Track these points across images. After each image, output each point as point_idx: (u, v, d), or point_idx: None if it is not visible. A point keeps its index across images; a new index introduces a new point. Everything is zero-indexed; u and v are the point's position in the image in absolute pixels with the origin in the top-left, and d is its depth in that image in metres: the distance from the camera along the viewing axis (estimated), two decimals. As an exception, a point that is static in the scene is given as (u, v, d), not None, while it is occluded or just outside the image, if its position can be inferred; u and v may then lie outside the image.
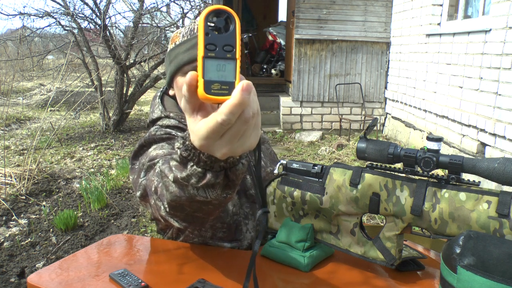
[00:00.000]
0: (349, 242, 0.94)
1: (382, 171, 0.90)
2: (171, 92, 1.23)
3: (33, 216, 3.33)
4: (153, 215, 0.97)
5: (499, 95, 3.87)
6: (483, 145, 4.18)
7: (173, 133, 1.11)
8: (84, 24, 6.54)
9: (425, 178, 0.84)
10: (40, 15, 6.34)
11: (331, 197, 0.93)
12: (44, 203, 3.57)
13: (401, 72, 6.19)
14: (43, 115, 7.19)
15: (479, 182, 0.81)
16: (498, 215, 0.75)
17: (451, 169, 0.81)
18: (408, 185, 0.85)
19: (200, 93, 0.49)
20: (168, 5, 7.78)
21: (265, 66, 8.34)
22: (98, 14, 6.22)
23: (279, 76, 7.88)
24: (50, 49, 8.03)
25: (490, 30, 4.01)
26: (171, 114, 1.17)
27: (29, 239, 2.96)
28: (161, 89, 1.29)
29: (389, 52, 6.62)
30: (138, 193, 1.00)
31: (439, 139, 0.82)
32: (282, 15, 9.47)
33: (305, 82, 6.59)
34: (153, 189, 0.88)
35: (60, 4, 6.28)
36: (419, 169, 0.84)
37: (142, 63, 6.96)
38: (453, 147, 4.66)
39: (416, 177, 0.86)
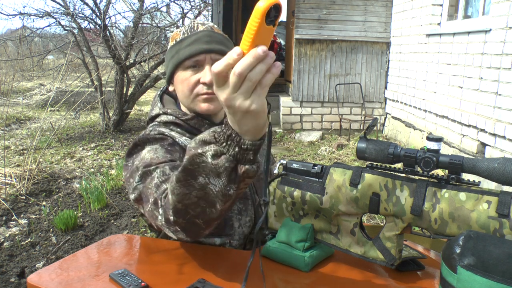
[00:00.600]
0: (349, 242, 0.94)
1: (382, 171, 0.90)
2: (170, 88, 1.24)
3: (33, 216, 3.33)
4: (146, 221, 1.04)
5: (499, 95, 3.87)
6: (483, 145, 4.18)
7: (166, 133, 1.13)
8: (84, 24, 6.55)
9: (425, 178, 0.84)
10: (40, 15, 6.34)
11: (331, 197, 0.93)
12: (44, 203, 3.57)
13: (401, 72, 6.19)
14: (43, 115, 7.20)
15: (479, 182, 0.81)
16: (498, 215, 0.75)
17: (451, 169, 0.81)
18: (408, 185, 0.85)
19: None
20: (168, 5, 7.79)
21: (265, 66, 8.33)
22: (98, 14, 6.23)
23: (279, 76, 7.87)
24: (50, 49, 8.03)
25: (490, 30, 4.01)
26: (169, 111, 1.20)
27: (29, 239, 2.96)
28: (161, 89, 1.31)
29: (389, 52, 6.62)
30: (132, 196, 1.04)
31: (439, 139, 0.82)
32: (282, 15, 9.47)
33: (305, 82, 6.59)
34: (151, 199, 0.93)
35: (60, 4, 6.28)
36: (419, 169, 0.84)
37: (142, 63, 6.96)
38: (453, 147, 4.66)
39: (416, 177, 0.86)
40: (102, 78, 6.70)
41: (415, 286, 0.90)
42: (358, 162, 4.66)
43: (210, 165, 0.75)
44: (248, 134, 0.71)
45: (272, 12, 0.61)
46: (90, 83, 6.99)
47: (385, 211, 0.87)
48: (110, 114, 6.50)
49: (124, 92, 6.45)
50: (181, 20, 7.42)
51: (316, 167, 0.97)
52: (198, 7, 7.33)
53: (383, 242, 0.89)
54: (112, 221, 3.29)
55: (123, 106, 6.43)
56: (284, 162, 1.03)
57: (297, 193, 0.98)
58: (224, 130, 0.73)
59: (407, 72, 5.98)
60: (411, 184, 0.85)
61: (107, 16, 6.28)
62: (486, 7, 4.45)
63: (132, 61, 6.67)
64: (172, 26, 7.30)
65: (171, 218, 0.86)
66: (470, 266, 0.67)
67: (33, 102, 9.14)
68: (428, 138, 0.83)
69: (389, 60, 6.65)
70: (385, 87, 6.74)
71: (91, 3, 6.26)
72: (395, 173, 0.88)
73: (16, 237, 2.97)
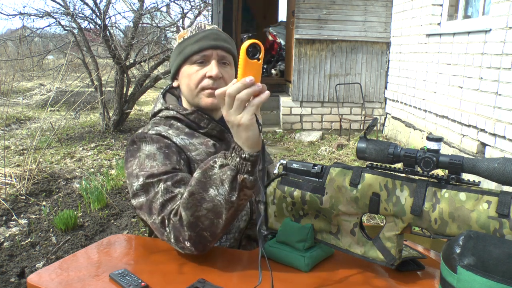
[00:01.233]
0: (349, 242, 0.94)
1: (382, 171, 0.90)
2: (175, 84, 1.28)
3: (33, 216, 3.33)
4: (144, 222, 1.07)
5: (499, 95, 3.87)
6: (483, 145, 4.18)
7: (163, 133, 1.14)
8: (84, 24, 6.54)
9: (425, 178, 0.84)
10: (40, 15, 6.34)
11: (331, 197, 0.93)
12: (44, 203, 3.58)
13: (401, 72, 6.20)
14: (43, 115, 7.20)
15: (479, 182, 0.81)
16: (498, 215, 0.75)
17: (451, 169, 0.81)
18: (408, 185, 0.85)
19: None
20: (168, 5, 7.79)
21: (265, 66, 8.34)
22: (98, 14, 6.22)
23: (279, 76, 7.88)
24: (50, 49, 8.02)
25: (490, 30, 4.01)
26: (170, 106, 1.23)
27: (29, 239, 2.96)
28: (165, 87, 1.35)
29: (389, 52, 6.63)
30: (133, 201, 1.06)
31: (439, 139, 0.82)
32: (282, 15, 9.47)
33: (305, 82, 6.59)
34: (158, 217, 0.99)
35: (60, 4, 6.28)
36: (419, 169, 0.84)
37: (142, 63, 6.96)
38: (453, 147, 4.66)
39: (416, 177, 0.86)
40: (102, 78, 6.70)
41: (415, 286, 0.90)
42: (358, 162, 4.66)
43: (218, 174, 0.90)
44: (245, 146, 0.88)
45: (251, 50, 0.81)
46: (90, 83, 6.99)
47: (385, 211, 0.87)
48: (110, 114, 6.50)
49: (124, 92, 6.45)
50: (181, 20, 7.43)
51: (316, 167, 0.97)
52: (198, 7, 7.34)
53: (383, 242, 0.89)
54: (112, 221, 3.29)
55: (123, 106, 6.43)
56: (284, 162, 1.03)
57: (297, 193, 0.98)
58: (232, 145, 0.90)
59: (407, 72, 5.98)
60: (411, 184, 0.85)
61: (107, 16, 6.28)
62: (486, 7, 4.45)
63: (132, 61, 6.67)
64: (172, 26, 7.30)
65: (187, 233, 0.93)
66: (470, 266, 0.67)
67: (33, 102, 9.14)
68: (428, 138, 0.83)
69: (389, 60, 6.65)
70: (385, 87, 6.74)
71: (91, 3, 6.26)
72: (395, 173, 0.88)
73: (16, 237, 2.97)
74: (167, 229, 0.97)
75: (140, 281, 0.88)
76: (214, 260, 1.00)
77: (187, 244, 0.95)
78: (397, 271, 0.94)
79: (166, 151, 1.10)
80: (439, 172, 3.13)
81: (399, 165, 0.88)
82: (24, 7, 22.96)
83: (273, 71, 7.99)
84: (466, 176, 0.84)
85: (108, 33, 6.22)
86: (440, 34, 5.06)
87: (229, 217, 0.93)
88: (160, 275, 0.93)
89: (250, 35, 8.71)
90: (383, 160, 0.87)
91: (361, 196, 0.89)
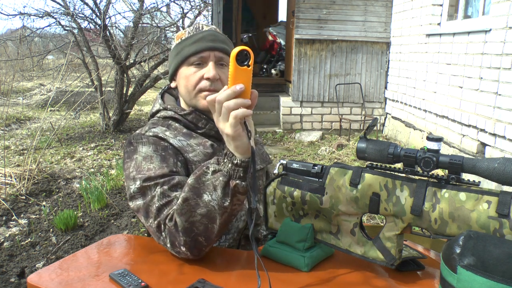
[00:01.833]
0: (349, 242, 0.94)
1: (382, 171, 0.90)
2: (173, 84, 1.28)
3: (33, 216, 3.33)
4: (142, 222, 1.08)
5: (499, 95, 3.87)
6: (483, 145, 4.18)
7: (161, 135, 1.14)
8: (84, 24, 6.54)
9: (425, 178, 0.84)
10: (40, 15, 6.34)
11: (331, 197, 0.93)
12: (44, 203, 3.57)
13: (401, 72, 6.19)
14: (43, 115, 7.20)
15: (479, 182, 0.81)
16: (498, 215, 0.75)
17: (451, 169, 0.81)
18: (408, 185, 0.85)
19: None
20: (168, 5, 7.79)
21: (265, 66, 8.35)
22: (98, 14, 6.22)
23: (279, 76, 7.88)
24: (50, 49, 8.02)
25: (490, 30, 4.01)
26: (168, 106, 1.24)
27: (29, 239, 2.96)
28: (163, 88, 1.35)
29: (389, 52, 6.63)
30: (130, 203, 1.07)
31: (439, 139, 0.82)
32: (282, 15, 9.47)
33: (305, 82, 6.59)
34: (154, 222, 1.00)
35: (60, 4, 6.28)
36: (419, 169, 0.84)
37: (142, 63, 6.96)
38: (453, 147, 4.66)
39: (416, 177, 0.86)
40: (102, 78, 6.69)
41: (415, 286, 0.90)
42: (358, 162, 4.66)
43: (211, 180, 0.91)
44: (236, 153, 0.89)
45: (241, 56, 0.82)
46: (90, 83, 6.98)
47: (385, 211, 0.87)
48: (110, 114, 6.50)
49: (124, 92, 6.45)
50: (181, 20, 7.42)
51: (316, 167, 0.97)
52: (198, 7, 7.33)
53: (383, 242, 0.89)
54: (112, 221, 3.29)
55: (123, 106, 6.43)
56: (284, 162, 1.03)
57: (297, 193, 0.98)
58: (224, 151, 0.91)
59: (407, 72, 5.98)
60: (411, 184, 0.85)
61: (107, 16, 6.28)
62: (486, 7, 4.45)
63: (132, 61, 6.66)
64: (172, 26, 7.30)
65: (182, 239, 0.95)
66: (470, 266, 0.67)
67: (33, 102, 9.14)
68: (428, 138, 0.83)
69: (389, 60, 6.65)
70: (385, 87, 6.74)
71: (91, 3, 6.26)
72: (395, 173, 0.88)
73: (16, 237, 2.97)
74: (163, 233, 0.98)
75: (140, 281, 0.88)
76: (214, 260, 1.00)
77: (183, 249, 0.96)
78: (397, 271, 0.94)
79: (163, 154, 1.10)
80: (439, 172, 3.13)
81: (399, 165, 0.88)
82: (24, 7, 22.96)
83: (273, 71, 7.99)
84: (466, 176, 0.84)
85: (108, 33, 6.22)
86: (440, 34, 5.06)
87: (223, 222, 0.94)
88: (160, 275, 0.93)
89: (250, 35, 8.72)
90: (383, 160, 0.87)
91: (361, 196, 0.89)
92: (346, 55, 6.59)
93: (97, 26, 6.29)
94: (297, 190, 0.98)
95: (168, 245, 0.98)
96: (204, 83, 1.17)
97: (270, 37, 8.42)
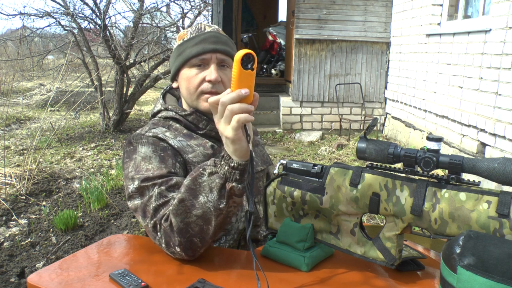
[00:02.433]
0: (349, 242, 0.94)
1: (382, 171, 0.90)
2: (174, 85, 1.28)
3: (33, 216, 3.33)
4: (140, 221, 1.09)
5: (499, 95, 3.87)
6: (483, 145, 4.18)
7: (160, 135, 1.15)
8: (84, 24, 6.53)
9: (425, 178, 0.84)
10: (40, 15, 6.33)
11: (331, 197, 0.93)
12: (44, 203, 3.57)
13: (401, 72, 6.19)
14: (43, 115, 7.20)
15: (479, 182, 0.81)
16: (498, 215, 0.75)
17: (451, 169, 0.81)
18: (408, 185, 0.85)
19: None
20: (168, 5, 7.79)
21: (265, 66, 8.35)
22: (98, 14, 6.22)
23: (279, 76, 7.88)
24: (50, 49, 8.02)
25: (490, 30, 4.01)
26: (170, 107, 1.24)
27: (29, 239, 2.96)
28: (165, 88, 1.35)
29: (389, 52, 6.62)
30: (128, 203, 1.08)
31: (439, 139, 0.82)
32: (282, 15, 9.48)
33: (305, 82, 6.59)
34: (150, 221, 1.00)
35: (60, 4, 6.28)
36: (419, 169, 0.84)
37: (142, 63, 6.96)
38: (453, 147, 4.66)
39: (416, 177, 0.86)
40: (102, 78, 6.69)
41: (415, 286, 0.90)
42: (358, 162, 4.66)
43: (207, 182, 0.91)
44: (234, 156, 0.89)
45: (245, 60, 0.82)
46: (90, 83, 6.98)
47: (385, 211, 0.87)
48: (110, 114, 6.50)
49: (124, 92, 6.45)
50: (181, 20, 7.42)
51: (316, 167, 0.97)
52: (198, 7, 7.33)
53: (383, 242, 0.89)
54: (112, 221, 3.29)
55: (123, 106, 6.43)
56: (284, 162, 1.03)
57: (297, 193, 0.98)
58: (222, 153, 0.91)
59: (407, 72, 5.98)
60: (411, 184, 0.85)
61: (107, 16, 6.28)
62: (486, 7, 4.45)
63: (132, 61, 6.66)
64: (172, 26, 7.30)
65: (176, 239, 0.95)
66: (470, 266, 0.67)
67: (33, 102, 9.14)
68: (428, 138, 0.83)
69: (389, 60, 6.65)
70: (385, 87, 6.74)
71: (91, 3, 6.26)
72: (395, 173, 0.88)
73: (16, 237, 2.97)
74: (158, 233, 0.99)
75: (140, 281, 0.88)
76: (214, 260, 1.00)
77: (177, 249, 0.96)
78: (397, 271, 0.94)
79: (162, 154, 1.10)
80: (439, 172, 3.13)
81: (399, 165, 0.88)
82: (24, 7, 22.96)
83: (273, 71, 7.99)
84: (466, 176, 0.84)
85: (108, 33, 6.22)
86: (440, 34, 5.06)
87: (218, 223, 0.94)
88: (160, 275, 0.93)
89: (250, 35, 8.71)
90: (383, 160, 0.87)
91: (361, 196, 0.89)
92: (346, 55, 6.59)
93: (97, 26, 6.29)
94: (297, 190, 0.98)
95: (163, 245, 0.98)
96: (206, 85, 1.17)
97: (270, 37, 8.42)
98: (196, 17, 7.37)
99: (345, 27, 6.48)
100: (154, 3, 10.12)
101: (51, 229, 3.10)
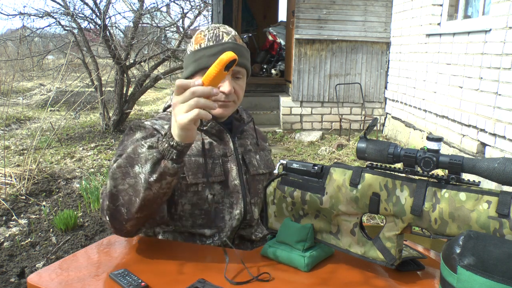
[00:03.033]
0: (349, 242, 0.94)
1: (382, 171, 0.90)
2: None
3: (33, 216, 3.33)
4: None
5: (499, 95, 3.87)
6: (483, 145, 4.18)
7: (157, 126, 1.19)
8: (84, 24, 6.53)
9: (425, 178, 0.84)
10: (40, 15, 6.34)
11: (331, 197, 0.93)
12: (44, 203, 3.58)
13: (401, 72, 6.19)
14: (43, 115, 7.20)
15: (479, 182, 0.81)
16: (498, 215, 0.75)
17: (451, 169, 0.81)
18: (408, 185, 0.85)
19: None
20: (168, 5, 7.78)
21: (265, 66, 8.34)
22: (98, 14, 6.22)
23: (279, 76, 7.88)
24: (50, 49, 8.02)
25: (490, 30, 4.01)
26: None
27: (29, 239, 2.96)
28: None
29: (389, 52, 6.62)
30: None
31: (439, 139, 0.82)
32: (282, 15, 9.47)
33: (305, 82, 6.59)
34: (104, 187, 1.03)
35: (60, 4, 6.28)
36: (419, 169, 0.84)
37: (142, 63, 6.96)
38: (453, 147, 4.66)
39: (416, 177, 0.86)
40: (102, 78, 6.69)
41: (415, 286, 0.90)
42: (358, 162, 4.66)
43: (145, 153, 0.93)
44: (178, 138, 0.90)
45: (230, 63, 0.87)
46: (90, 83, 6.98)
47: (385, 211, 0.87)
48: (110, 114, 6.50)
49: (124, 92, 6.45)
50: (181, 20, 7.42)
51: (316, 167, 0.97)
52: (198, 7, 7.33)
53: (383, 242, 0.89)
54: (112, 221, 3.29)
55: (123, 106, 6.43)
56: (284, 162, 1.03)
57: (297, 193, 0.98)
58: (166, 130, 0.94)
59: (407, 72, 5.98)
60: (411, 184, 0.85)
61: (107, 16, 6.28)
62: (486, 7, 4.45)
63: (132, 61, 6.66)
64: (172, 26, 7.30)
65: (106, 203, 0.98)
66: (470, 266, 0.67)
67: (33, 102, 9.14)
68: (428, 138, 0.83)
69: (389, 60, 6.65)
70: (385, 87, 6.74)
71: (91, 3, 6.26)
72: (395, 173, 0.88)
73: (16, 237, 2.97)
74: (101, 200, 1.03)
75: (140, 281, 0.88)
76: (214, 260, 1.00)
77: (107, 217, 0.99)
78: (397, 271, 0.94)
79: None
80: (439, 172, 3.13)
81: (399, 165, 0.88)
82: (24, 7, 22.95)
83: (273, 71, 7.99)
84: (466, 176, 0.84)
85: (108, 33, 6.22)
86: (440, 34, 5.06)
87: (145, 198, 0.94)
88: (160, 275, 0.93)
89: (250, 35, 8.71)
90: (383, 160, 0.87)
91: (361, 196, 0.89)
92: (346, 55, 6.59)
93: (97, 26, 6.29)
94: (297, 190, 0.98)
95: (101, 211, 1.03)
96: (219, 96, 1.20)
97: (270, 37, 8.41)
98: (196, 17, 7.38)
99: (345, 27, 6.48)
100: (154, 3, 10.13)
101: (51, 229, 3.10)
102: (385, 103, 6.75)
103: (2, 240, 2.96)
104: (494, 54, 3.95)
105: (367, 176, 0.89)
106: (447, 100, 4.85)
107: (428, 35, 5.34)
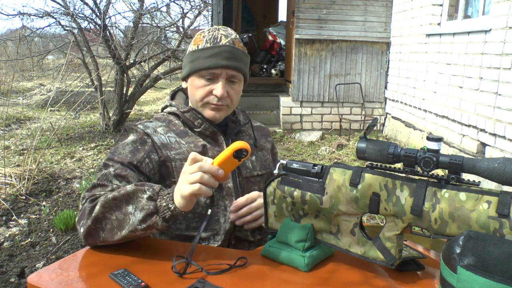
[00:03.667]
0: (349, 242, 0.94)
1: (382, 171, 0.90)
2: (184, 85, 1.32)
3: (33, 216, 3.33)
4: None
5: (499, 95, 3.87)
6: (483, 145, 4.18)
7: (148, 130, 1.21)
8: (84, 24, 6.53)
9: (425, 178, 0.84)
10: (40, 15, 6.33)
11: (331, 197, 0.93)
12: (44, 203, 3.57)
13: (401, 72, 6.19)
14: (43, 115, 7.19)
15: (479, 182, 0.81)
16: (498, 215, 0.75)
17: (451, 169, 0.81)
18: (408, 185, 0.85)
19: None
20: (168, 5, 7.78)
21: (265, 66, 8.34)
22: (98, 14, 6.22)
23: (279, 76, 7.88)
24: (50, 49, 8.02)
25: (490, 30, 4.01)
26: (173, 103, 1.30)
27: (29, 239, 2.96)
28: (178, 87, 1.40)
29: (389, 52, 6.62)
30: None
31: (439, 139, 0.82)
32: (282, 15, 9.47)
33: (305, 82, 6.59)
34: (84, 194, 1.07)
35: (60, 4, 6.28)
36: (419, 169, 0.84)
37: (142, 63, 6.95)
38: (453, 147, 4.66)
39: (416, 177, 0.86)
40: (102, 78, 6.69)
41: (415, 286, 0.90)
42: (358, 162, 4.66)
43: (143, 201, 0.97)
44: (177, 203, 0.94)
45: (238, 152, 0.91)
46: (90, 83, 6.98)
47: (385, 211, 0.87)
48: (110, 114, 6.50)
49: (124, 92, 6.44)
50: (181, 20, 7.42)
51: (316, 167, 0.97)
52: (198, 7, 7.33)
53: (383, 242, 0.89)
54: (112, 221, 3.29)
55: (123, 106, 6.42)
56: (284, 162, 1.03)
57: (297, 193, 0.98)
58: (170, 189, 0.97)
59: (407, 72, 5.98)
60: (411, 184, 0.85)
61: (107, 16, 6.28)
62: (486, 7, 4.45)
63: (132, 61, 6.66)
64: (172, 26, 7.29)
65: (88, 222, 1.01)
66: (470, 266, 0.67)
67: (33, 102, 9.14)
68: (428, 138, 0.83)
69: (389, 60, 6.65)
70: (385, 87, 6.74)
71: (91, 3, 6.25)
72: (395, 173, 0.88)
73: (16, 237, 2.97)
74: (80, 206, 1.07)
75: (140, 281, 0.88)
76: (214, 260, 1.00)
77: (82, 230, 1.03)
78: (397, 271, 0.94)
79: (138, 147, 1.17)
80: (439, 172, 3.13)
81: (399, 165, 0.88)
82: (24, 7, 22.93)
83: (273, 71, 7.99)
84: (466, 176, 0.84)
85: (108, 33, 6.22)
86: (440, 34, 5.06)
87: (127, 236, 1.00)
88: (160, 275, 0.93)
89: (250, 35, 8.70)
90: (383, 160, 0.87)
91: (361, 196, 0.89)
92: (346, 55, 6.59)
93: (97, 26, 6.29)
94: (297, 190, 0.98)
95: (77, 218, 1.07)
96: (212, 98, 1.21)
97: (270, 37, 8.41)
98: (196, 17, 7.37)
99: (345, 27, 6.48)
100: (154, 3, 10.12)
101: (51, 229, 3.10)
102: (385, 103, 6.75)
103: (2, 240, 2.96)
104: (494, 54, 3.95)
105: (367, 176, 0.89)
106: (447, 100, 4.85)
107: (428, 35, 5.34)
